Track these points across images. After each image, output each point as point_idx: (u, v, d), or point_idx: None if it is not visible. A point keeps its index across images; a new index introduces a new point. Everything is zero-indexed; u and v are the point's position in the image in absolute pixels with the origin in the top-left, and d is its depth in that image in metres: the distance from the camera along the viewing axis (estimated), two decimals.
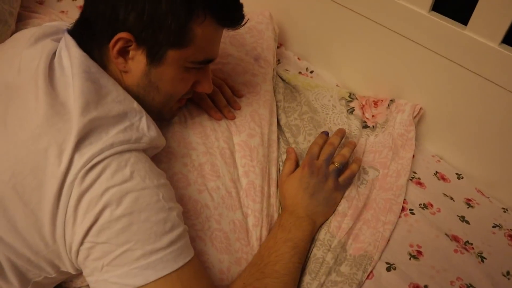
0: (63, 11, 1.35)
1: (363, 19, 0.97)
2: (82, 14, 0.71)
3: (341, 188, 0.83)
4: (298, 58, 1.18)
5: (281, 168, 0.88)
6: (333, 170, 0.82)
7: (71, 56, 0.64)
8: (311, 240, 0.78)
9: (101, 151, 0.58)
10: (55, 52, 0.67)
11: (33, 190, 0.57)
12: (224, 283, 0.69)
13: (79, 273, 0.67)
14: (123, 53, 0.66)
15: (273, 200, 0.82)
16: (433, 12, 0.86)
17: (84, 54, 0.65)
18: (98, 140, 0.59)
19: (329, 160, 0.83)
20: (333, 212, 0.81)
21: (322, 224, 0.80)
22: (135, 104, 0.67)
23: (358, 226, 0.81)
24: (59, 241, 0.59)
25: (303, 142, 0.93)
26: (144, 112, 0.67)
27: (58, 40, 0.70)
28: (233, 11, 0.71)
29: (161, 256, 0.58)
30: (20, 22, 1.23)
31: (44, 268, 0.63)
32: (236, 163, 0.81)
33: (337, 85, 1.11)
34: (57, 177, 0.57)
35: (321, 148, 0.85)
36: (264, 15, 1.10)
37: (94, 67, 0.65)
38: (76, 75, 0.62)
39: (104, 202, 0.57)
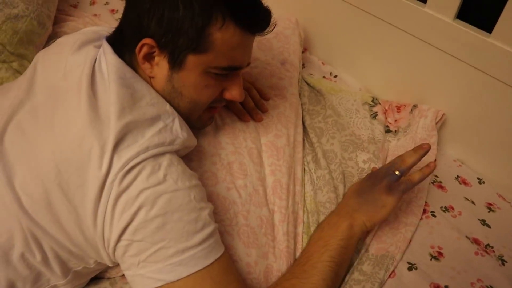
0: (95, 15, 1.40)
1: (387, 26, 0.99)
2: (119, 22, 0.75)
3: (394, 192, 0.77)
4: (322, 63, 1.21)
5: (305, 168, 0.91)
6: (390, 175, 0.78)
7: (107, 63, 0.68)
8: (349, 238, 0.74)
9: (137, 154, 0.62)
10: (96, 59, 0.71)
11: (77, 188, 0.62)
12: (251, 276, 0.72)
13: (115, 265, 0.72)
14: (149, 58, 0.70)
15: (298, 198, 0.85)
16: (458, 20, 0.88)
17: (119, 60, 0.69)
18: (135, 143, 0.63)
19: (391, 169, 0.79)
20: (382, 215, 0.77)
21: (366, 224, 0.76)
22: (168, 107, 0.70)
23: (380, 227, 0.84)
24: (98, 236, 0.63)
25: (326, 143, 0.96)
26: (176, 114, 0.70)
27: (99, 47, 0.74)
28: (255, 15, 0.71)
29: (192, 253, 0.61)
30: (56, 25, 1.28)
31: (84, 259, 0.68)
32: (263, 163, 0.85)
33: (360, 90, 1.14)
34: (98, 178, 0.61)
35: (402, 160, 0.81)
36: (290, 21, 1.13)
37: (128, 72, 0.69)
38: (112, 81, 0.66)
39: (140, 203, 0.60)
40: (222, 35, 0.68)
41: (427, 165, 0.79)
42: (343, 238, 0.74)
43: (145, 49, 0.68)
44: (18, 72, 1.06)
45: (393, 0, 0.95)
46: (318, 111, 1.03)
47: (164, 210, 0.61)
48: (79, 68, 0.69)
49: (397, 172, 0.78)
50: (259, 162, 0.84)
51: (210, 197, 0.76)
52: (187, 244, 0.61)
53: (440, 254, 0.81)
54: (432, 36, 0.92)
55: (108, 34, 0.77)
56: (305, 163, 0.92)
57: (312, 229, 0.82)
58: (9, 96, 0.72)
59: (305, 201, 0.86)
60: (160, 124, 0.67)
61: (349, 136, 0.99)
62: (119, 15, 1.38)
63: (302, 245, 0.80)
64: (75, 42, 0.74)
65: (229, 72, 0.72)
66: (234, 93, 0.76)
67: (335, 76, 1.18)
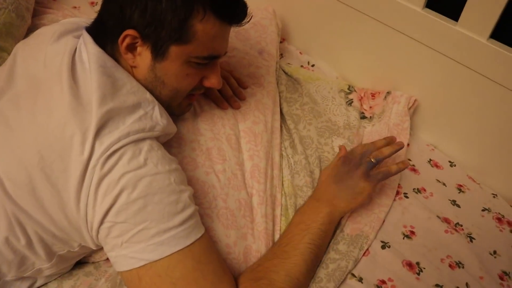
0: (75, 7, 1.40)
1: (362, 16, 1.02)
2: (98, 13, 0.76)
3: (371, 180, 0.81)
4: (300, 52, 1.24)
5: (283, 153, 0.94)
6: (366, 162, 0.82)
7: (88, 52, 0.70)
8: (329, 223, 0.78)
9: (119, 140, 0.64)
10: (76, 48, 0.72)
11: (60, 172, 0.63)
12: (231, 256, 0.75)
13: (99, 249, 0.73)
14: (131, 49, 0.71)
15: (276, 181, 0.88)
16: (427, 9, 0.91)
17: (100, 49, 0.70)
18: (116, 129, 0.64)
19: (366, 154, 0.83)
20: (359, 201, 0.81)
21: (345, 210, 0.81)
22: (148, 95, 0.72)
23: (355, 209, 0.87)
24: (81, 219, 0.65)
25: (303, 130, 0.99)
26: (156, 102, 0.72)
27: (78, 37, 0.75)
28: (233, 7, 0.74)
29: (174, 233, 0.64)
30: (35, 17, 1.28)
31: (68, 243, 0.69)
32: (241, 148, 0.87)
33: (337, 78, 1.16)
34: (81, 162, 0.62)
35: (368, 148, 0.85)
36: (267, 11, 1.15)
37: (109, 61, 0.70)
38: (93, 69, 0.67)
39: (121, 186, 0.62)
40: (203, 27, 0.70)
41: (403, 162, 0.84)
42: (324, 223, 0.78)
43: (127, 40, 0.70)
44: None
45: None
46: (295, 98, 1.06)
47: (145, 193, 0.63)
48: (58, 57, 0.71)
49: (373, 160, 0.82)
50: (237, 147, 0.86)
51: (190, 181, 0.77)
52: (168, 225, 0.63)
53: (412, 233, 0.85)
54: (403, 25, 0.95)
55: (87, 25, 0.78)
56: (283, 148, 0.95)
57: (290, 211, 0.85)
58: None
59: (283, 185, 0.89)
60: (140, 112, 0.69)
61: (325, 123, 1.02)
62: (98, 7, 1.38)
63: (280, 227, 0.83)
64: (54, 33, 0.76)
65: (208, 61, 0.75)
66: (213, 81, 0.78)
67: (313, 65, 1.21)
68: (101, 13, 0.75)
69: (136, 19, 0.69)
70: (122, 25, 0.70)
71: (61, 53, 0.71)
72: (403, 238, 0.84)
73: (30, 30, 1.23)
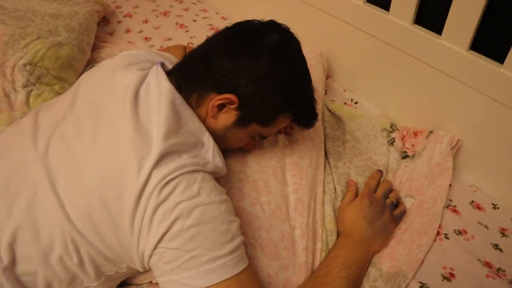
0: (130, 41, 1.50)
1: (405, 55, 1.05)
2: (196, 58, 0.83)
3: (396, 220, 0.91)
4: (344, 90, 1.27)
5: (325, 189, 0.96)
6: (390, 204, 0.91)
7: (160, 87, 0.76)
8: (364, 261, 0.84)
9: (175, 170, 0.68)
10: (140, 80, 0.78)
11: (115, 198, 0.68)
12: (271, 286, 0.77)
13: (144, 271, 0.77)
14: (221, 106, 0.79)
15: (318, 216, 0.90)
16: (471, 51, 0.93)
17: (172, 86, 0.77)
18: (172, 161, 0.69)
19: (386, 194, 0.93)
20: (389, 242, 0.88)
21: (378, 250, 0.87)
22: (206, 136, 0.77)
23: (394, 246, 0.88)
24: (133, 243, 0.69)
25: (342, 167, 1.02)
26: (212, 144, 0.78)
27: (142, 69, 0.81)
28: (311, 121, 0.90)
29: (223, 262, 0.67)
30: (94, 51, 1.39)
31: (117, 264, 0.73)
32: (286, 181, 0.91)
33: (379, 116, 1.19)
34: (135, 189, 0.66)
35: (378, 182, 0.96)
36: (315, 52, 1.21)
37: (178, 98, 0.76)
38: (163, 103, 0.73)
39: (176, 214, 0.66)
40: (283, 121, 0.86)
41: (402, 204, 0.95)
42: (360, 261, 0.83)
43: (226, 100, 0.78)
44: (60, 94, 1.15)
45: (410, 31, 1.01)
46: (338, 136, 1.09)
47: (199, 221, 0.67)
48: (122, 86, 0.76)
49: (394, 200, 0.93)
50: (282, 180, 0.90)
51: (236, 211, 0.81)
52: (218, 253, 0.66)
53: (452, 275, 0.85)
54: (447, 66, 0.97)
55: (148, 59, 0.87)
56: (326, 184, 0.97)
57: (330, 247, 0.87)
58: (52, 111, 0.80)
59: (324, 220, 0.91)
60: (195, 152, 0.74)
61: (365, 161, 1.04)
62: (152, 42, 1.49)
63: (320, 261, 0.85)
64: (118, 64, 0.82)
65: (259, 138, 0.89)
66: (249, 147, 0.95)
67: (356, 103, 1.24)
68: (212, 62, 0.79)
69: (245, 92, 0.78)
70: (229, 87, 0.78)
71: (126, 83, 0.76)
72: (442, 280, 0.84)
73: (89, 63, 1.33)
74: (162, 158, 0.68)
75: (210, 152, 0.76)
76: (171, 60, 0.99)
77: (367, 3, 1.10)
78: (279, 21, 0.86)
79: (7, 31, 1.15)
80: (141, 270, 0.75)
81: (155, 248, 0.68)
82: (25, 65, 1.11)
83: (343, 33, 1.20)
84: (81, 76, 0.88)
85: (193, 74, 0.82)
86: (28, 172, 0.71)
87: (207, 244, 0.66)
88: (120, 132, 0.71)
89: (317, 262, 0.85)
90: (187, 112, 0.76)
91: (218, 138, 0.81)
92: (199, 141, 0.76)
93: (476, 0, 0.85)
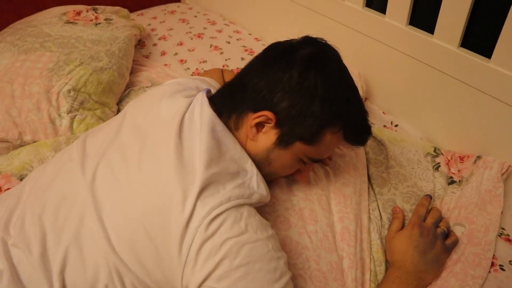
0: (166, 64, 1.52)
1: (448, 78, 1.03)
2: (234, 81, 0.83)
3: (448, 250, 0.87)
4: (383, 112, 1.25)
5: (371, 216, 0.94)
6: (441, 233, 0.88)
7: (202, 113, 0.75)
8: None
9: (221, 203, 0.67)
10: (187, 107, 0.77)
11: (159, 229, 0.67)
12: None
13: None
14: (259, 125, 0.77)
15: (365, 245, 0.88)
16: None
17: (213, 113, 0.76)
18: (217, 193, 0.68)
19: (437, 223, 0.90)
20: (441, 273, 0.85)
21: (430, 282, 0.83)
22: (249, 164, 0.76)
23: (446, 278, 0.84)
24: (178, 275, 0.67)
25: (387, 193, 0.99)
26: (255, 171, 0.76)
27: (188, 96, 0.81)
28: (363, 139, 0.83)
29: None
30: (132, 74, 1.41)
31: None
32: (331, 209, 0.89)
33: (421, 139, 1.16)
34: (181, 221, 0.65)
35: (427, 209, 0.93)
36: (353, 74, 1.17)
37: (219, 125, 0.75)
38: (204, 131, 0.72)
39: (224, 252, 0.65)
40: (330, 138, 0.78)
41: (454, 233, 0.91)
42: None
43: (262, 118, 0.75)
44: (101, 119, 1.17)
45: (455, 54, 0.99)
46: (381, 161, 1.06)
47: (247, 260, 0.65)
48: (169, 114, 0.76)
49: (445, 230, 0.89)
50: (328, 208, 0.88)
51: (284, 241, 0.80)
52: None
53: None
54: (495, 88, 0.95)
55: (192, 86, 0.87)
56: (371, 211, 0.95)
57: (380, 277, 0.84)
58: (99, 138, 0.80)
59: (371, 249, 0.89)
60: (239, 180, 0.72)
61: (411, 188, 1.01)
62: (187, 64, 1.51)
63: None
64: (165, 92, 0.83)
65: (310, 162, 0.82)
66: (303, 178, 0.87)
67: (396, 125, 1.21)
68: (246, 82, 0.79)
69: (281, 107, 0.75)
70: (264, 104, 0.76)
71: (173, 111, 0.76)
72: None
73: (127, 87, 1.35)
74: (205, 188, 0.67)
75: (255, 180, 0.75)
76: (214, 86, 0.99)
77: (409, 26, 1.09)
78: None
79: (53, 57, 1.18)
80: None
81: (200, 285, 0.66)
82: (69, 91, 1.13)
83: (382, 55, 1.19)
84: (128, 104, 0.88)
85: (231, 97, 0.81)
86: (77, 201, 0.71)
87: (256, 283, 0.65)
88: (164, 161, 0.70)
89: None
90: (228, 140, 0.75)
91: (262, 163, 0.79)
92: (242, 169, 0.74)
93: None
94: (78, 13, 1.40)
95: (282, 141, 0.77)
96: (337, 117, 0.76)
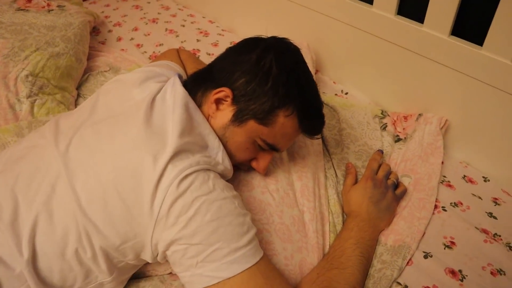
0: (123, 49, 1.54)
1: (390, 44, 1.12)
2: (211, 63, 0.90)
3: (398, 199, 0.97)
4: (334, 82, 1.33)
5: (327, 174, 1.02)
6: (391, 184, 0.98)
7: (175, 92, 0.81)
8: (373, 239, 0.89)
9: (190, 166, 0.72)
10: (158, 90, 0.83)
11: (131, 189, 0.71)
12: (288, 267, 0.82)
13: (161, 263, 0.81)
14: (218, 102, 0.83)
15: (323, 200, 0.96)
16: (452, 36, 1.00)
17: (186, 93, 0.82)
18: (186, 158, 0.73)
19: (387, 176, 1.00)
20: (393, 219, 0.94)
21: (384, 228, 0.93)
22: (216, 141, 0.81)
23: (396, 222, 0.94)
24: (148, 234, 0.72)
25: (341, 153, 1.08)
26: (221, 148, 0.81)
27: (160, 82, 0.87)
28: (315, 125, 0.88)
29: (243, 252, 0.71)
30: (90, 59, 1.42)
31: (128, 255, 0.75)
32: (290, 170, 0.96)
33: (369, 103, 1.25)
34: (151, 181, 0.70)
35: (378, 164, 1.02)
36: (302, 45, 1.26)
37: (191, 103, 0.81)
38: (177, 106, 0.78)
39: (195, 209, 0.69)
40: (284, 121, 0.82)
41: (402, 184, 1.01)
42: (370, 239, 0.89)
43: (220, 95, 0.81)
44: (62, 103, 1.19)
45: (393, 21, 1.08)
46: (333, 125, 1.14)
47: (217, 216, 0.70)
48: (140, 97, 0.81)
49: (395, 181, 0.99)
50: (287, 169, 0.95)
51: (247, 200, 0.86)
52: (238, 244, 0.70)
53: (453, 243, 0.91)
54: (431, 51, 1.04)
55: (163, 72, 0.93)
56: (326, 169, 1.03)
57: (338, 228, 0.92)
58: (72, 119, 0.84)
59: (329, 203, 0.97)
60: (206, 153, 0.78)
61: (362, 146, 1.10)
62: (144, 48, 1.54)
63: (329, 241, 0.90)
64: (136, 79, 0.87)
65: (268, 148, 0.85)
66: (261, 166, 0.89)
67: (346, 93, 1.30)
68: (214, 64, 0.88)
69: (238, 84, 0.81)
70: (224, 82, 0.82)
71: (145, 94, 0.82)
72: (444, 248, 0.90)
73: (86, 72, 1.37)
74: (177, 154, 0.72)
75: (220, 155, 0.80)
76: (175, 68, 1.04)
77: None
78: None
79: (6, 44, 1.19)
80: (149, 261, 0.78)
81: (172, 242, 0.71)
82: (27, 76, 1.14)
83: (329, 27, 1.26)
84: (100, 89, 0.92)
85: (199, 78, 0.88)
86: (49, 171, 0.75)
87: (227, 236, 0.70)
88: (135, 130, 0.75)
89: (327, 243, 0.90)
90: (199, 116, 0.81)
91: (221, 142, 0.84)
92: (211, 144, 0.80)
93: None
94: (29, 0, 1.40)
95: (237, 118, 0.81)
96: (290, 100, 0.81)
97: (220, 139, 0.82)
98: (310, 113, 0.85)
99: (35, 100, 1.14)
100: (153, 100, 0.80)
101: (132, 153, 0.73)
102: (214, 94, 0.82)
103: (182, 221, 0.69)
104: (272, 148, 0.86)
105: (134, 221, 0.71)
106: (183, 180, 0.70)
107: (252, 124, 0.81)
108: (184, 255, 0.71)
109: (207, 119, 0.84)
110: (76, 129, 0.80)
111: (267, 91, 0.80)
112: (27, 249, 0.70)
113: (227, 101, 0.82)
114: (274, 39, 0.87)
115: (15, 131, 1.08)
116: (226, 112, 0.82)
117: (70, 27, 1.34)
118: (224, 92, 0.81)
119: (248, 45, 0.87)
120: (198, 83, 0.86)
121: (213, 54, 1.47)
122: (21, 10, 1.35)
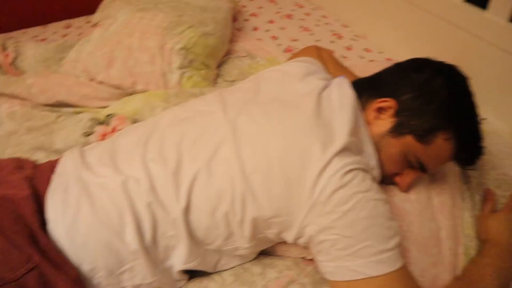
0: (259, 39, 1.59)
1: None
2: (379, 72, 0.93)
3: None
4: None
5: (463, 195, 0.98)
6: None
7: (345, 93, 0.84)
8: None
9: (352, 163, 0.74)
10: (323, 87, 0.86)
11: (295, 169, 0.74)
12: (422, 279, 0.80)
13: (295, 246, 0.83)
14: (380, 111, 0.84)
15: (458, 221, 0.92)
16: None
17: (355, 96, 0.84)
18: (349, 157, 0.75)
19: None
20: None
21: None
22: (372, 149, 0.83)
23: None
24: (300, 215, 0.74)
25: (479, 177, 1.02)
26: (375, 156, 0.82)
27: (322, 79, 0.90)
28: (472, 158, 0.87)
29: (389, 255, 0.71)
30: (229, 43, 1.47)
31: (272, 229, 0.79)
32: (430, 184, 0.94)
33: (510, 134, 1.18)
34: (317, 166, 0.73)
35: None
36: None
37: (358, 108, 0.84)
38: (346, 107, 0.81)
39: (353, 204, 0.71)
40: (441, 144, 0.82)
41: None
42: (510, 272, 0.83)
43: (384, 104, 0.83)
44: (205, 79, 1.25)
45: None
46: None
47: (371, 214, 0.72)
48: (305, 90, 0.85)
49: None
50: (427, 183, 0.93)
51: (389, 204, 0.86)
52: (386, 246, 0.71)
53: None
54: None
55: (321, 71, 0.98)
56: (463, 191, 0.99)
57: (471, 252, 0.89)
58: (237, 94, 0.90)
59: (463, 226, 0.93)
60: (364, 157, 0.80)
61: (502, 176, 1.04)
62: (279, 41, 1.57)
63: (461, 263, 0.87)
64: (299, 73, 0.92)
65: (418, 167, 0.85)
66: (405, 181, 0.88)
67: (484, 119, 1.23)
68: (380, 75, 0.92)
69: (404, 98, 0.83)
70: (389, 93, 0.85)
71: (309, 88, 0.86)
72: None
73: (225, 55, 1.43)
74: (344, 150, 0.75)
75: (374, 162, 0.82)
76: (318, 66, 1.05)
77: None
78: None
79: (165, 18, 1.28)
80: (289, 241, 0.79)
81: (325, 229, 0.72)
82: (181, 49, 1.22)
83: (476, 49, 1.21)
84: (259, 73, 0.99)
85: (364, 83, 0.90)
86: (216, 134, 0.80)
87: (377, 236, 0.71)
88: (305, 117, 0.79)
89: (459, 265, 0.86)
90: (361, 121, 0.83)
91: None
92: (365, 149, 0.82)
93: None
94: None
95: (396, 130, 0.83)
96: (452, 124, 0.81)
97: (375, 147, 0.83)
98: (468, 142, 0.85)
99: (184, 72, 1.21)
100: (320, 95, 0.83)
101: (301, 135, 0.76)
102: (379, 102, 0.84)
103: (339, 211, 0.71)
104: (421, 167, 0.85)
105: (291, 199, 0.74)
106: (347, 174, 0.72)
107: (409, 140, 0.82)
108: (334, 246, 0.72)
109: (366, 124, 0.85)
110: (243, 104, 0.85)
111: (432, 111, 0.81)
112: (184, 199, 0.75)
113: (388, 112, 0.84)
114: (445, 63, 0.88)
115: (163, 97, 1.16)
116: (385, 123, 0.84)
117: (219, 11, 1.41)
118: (389, 102, 0.83)
119: (418, 64, 0.89)
120: (363, 89, 0.88)
121: (346, 57, 1.47)
122: None
